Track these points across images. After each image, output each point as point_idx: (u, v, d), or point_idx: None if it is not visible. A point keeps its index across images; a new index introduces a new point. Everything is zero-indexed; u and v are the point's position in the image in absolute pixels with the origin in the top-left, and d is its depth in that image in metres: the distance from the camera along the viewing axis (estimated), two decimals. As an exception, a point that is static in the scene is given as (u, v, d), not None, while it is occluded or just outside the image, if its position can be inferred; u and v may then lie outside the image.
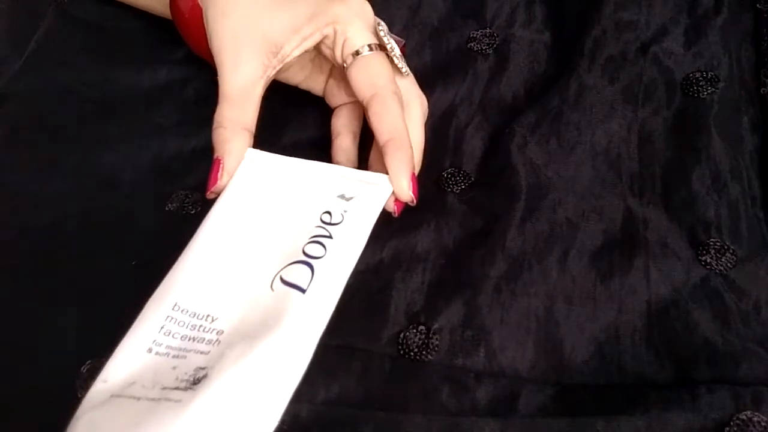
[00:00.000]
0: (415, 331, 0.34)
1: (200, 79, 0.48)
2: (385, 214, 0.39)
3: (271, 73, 0.39)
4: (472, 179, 0.41)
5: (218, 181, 0.37)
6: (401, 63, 0.40)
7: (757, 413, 0.29)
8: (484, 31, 0.48)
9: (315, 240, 0.35)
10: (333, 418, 0.32)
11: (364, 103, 0.38)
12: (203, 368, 0.30)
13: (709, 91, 0.41)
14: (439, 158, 0.42)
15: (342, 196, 0.37)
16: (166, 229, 0.41)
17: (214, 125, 0.38)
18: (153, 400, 0.30)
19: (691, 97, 0.41)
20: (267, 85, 0.40)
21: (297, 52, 0.39)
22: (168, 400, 0.29)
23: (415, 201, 0.37)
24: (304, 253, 0.34)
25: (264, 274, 0.34)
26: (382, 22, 0.41)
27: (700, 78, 0.41)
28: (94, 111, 0.48)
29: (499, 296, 0.35)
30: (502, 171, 0.40)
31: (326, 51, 0.40)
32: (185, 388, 0.30)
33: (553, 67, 0.45)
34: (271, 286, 0.34)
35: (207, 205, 0.37)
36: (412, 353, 0.34)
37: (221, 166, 0.37)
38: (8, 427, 0.34)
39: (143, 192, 0.44)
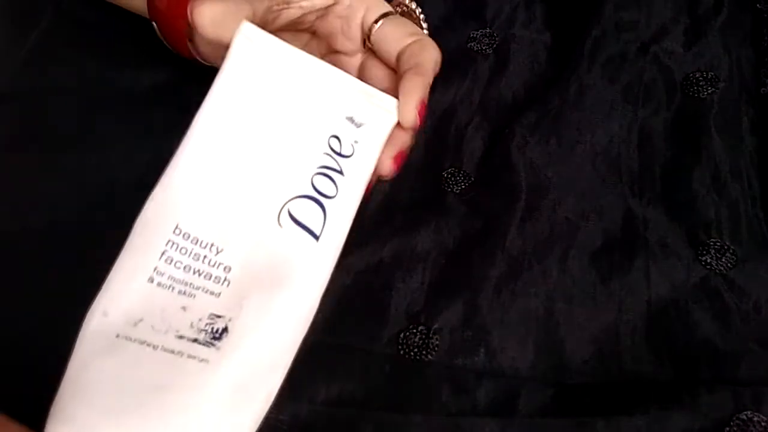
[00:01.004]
0: (415, 331, 0.34)
1: (200, 79, 0.48)
2: (384, 214, 0.39)
3: (274, 8, 0.37)
4: (472, 179, 0.41)
5: (202, 4, 0.34)
6: (424, 24, 0.41)
7: (757, 413, 0.29)
8: (484, 31, 0.48)
9: (324, 172, 0.32)
10: (333, 418, 0.32)
11: (399, 52, 0.37)
12: (220, 317, 0.29)
13: (709, 91, 0.41)
14: (439, 158, 0.42)
15: (351, 120, 0.34)
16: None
17: None
18: (173, 353, 0.28)
19: (691, 97, 0.41)
20: (266, 21, 0.37)
21: (305, 4, 0.38)
22: (192, 357, 0.28)
23: (417, 126, 0.35)
24: (314, 186, 0.32)
25: (270, 202, 0.31)
26: None
27: (700, 78, 0.41)
28: (93, 111, 0.48)
29: (499, 296, 0.35)
30: (502, 171, 0.40)
31: (333, 22, 0.39)
32: (206, 343, 0.28)
33: (553, 67, 0.45)
34: (279, 220, 0.31)
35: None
36: (412, 353, 0.34)
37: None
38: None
39: (143, 192, 0.43)
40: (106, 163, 0.45)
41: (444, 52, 0.48)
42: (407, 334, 0.34)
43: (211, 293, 0.30)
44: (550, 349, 0.34)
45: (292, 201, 0.32)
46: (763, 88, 0.41)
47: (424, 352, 0.34)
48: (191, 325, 0.29)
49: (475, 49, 0.47)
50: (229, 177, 0.32)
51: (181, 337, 0.28)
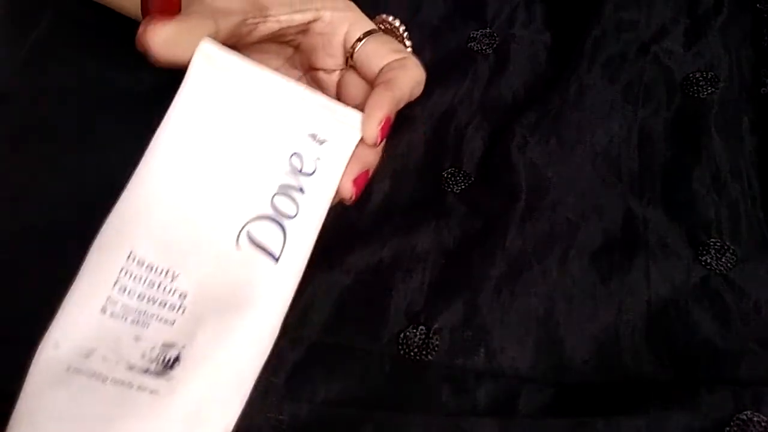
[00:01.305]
0: (415, 331, 0.34)
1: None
2: (384, 214, 0.39)
3: (249, 21, 0.36)
4: (472, 179, 0.41)
5: (156, 25, 0.32)
6: (408, 42, 0.41)
7: (757, 413, 0.29)
8: (484, 31, 0.48)
9: (285, 192, 0.31)
10: (333, 418, 0.32)
11: (379, 69, 0.37)
12: (172, 345, 0.28)
13: (709, 91, 0.41)
14: (439, 158, 0.42)
15: (314, 136, 0.33)
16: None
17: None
18: (123, 384, 0.27)
19: (691, 97, 0.41)
20: (243, 37, 0.36)
21: (284, 19, 0.37)
22: (142, 389, 0.27)
23: (378, 143, 0.34)
24: (274, 207, 0.31)
25: (228, 224, 0.31)
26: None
27: (700, 78, 0.41)
28: (93, 111, 0.48)
29: (499, 296, 0.35)
30: (502, 171, 0.40)
31: (314, 38, 0.39)
32: (157, 373, 0.28)
33: (553, 67, 0.45)
34: (237, 242, 0.30)
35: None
36: (412, 353, 0.34)
37: (170, 15, 0.33)
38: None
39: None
40: (106, 163, 0.45)
41: (444, 52, 0.48)
42: (407, 334, 0.34)
43: (165, 321, 0.29)
44: (550, 349, 0.34)
45: (251, 222, 0.31)
46: (763, 88, 0.41)
47: (424, 352, 0.34)
48: (143, 356, 0.28)
49: (475, 49, 0.47)
50: (186, 200, 0.31)
51: (131, 368, 0.28)
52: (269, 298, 0.30)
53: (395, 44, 0.39)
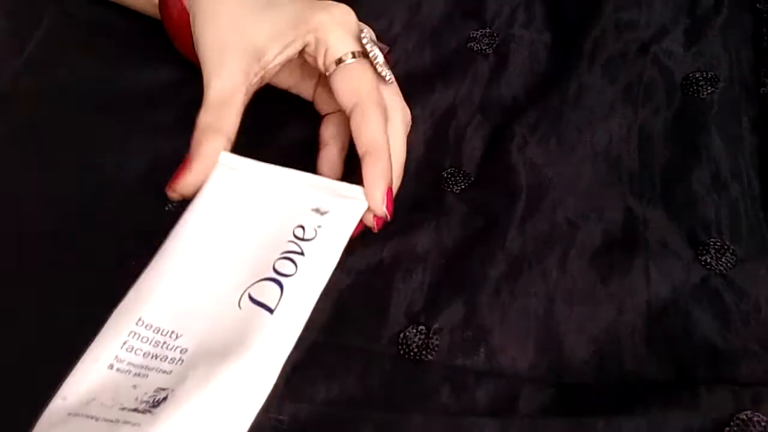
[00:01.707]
0: (415, 331, 0.34)
1: (199, 79, 0.48)
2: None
3: (254, 80, 0.39)
4: (472, 179, 0.41)
5: (180, 179, 0.37)
6: (385, 71, 0.39)
7: (757, 413, 0.29)
8: (484, 31, 0.48)
9: (286, 256, 0.34)
10: (333, 418, 0.32)
11: (347, 112, 0.38)
12: (164, 389, 0.30)
13: (709, 91, 0.41)
14: (439, 158, 0.42)
15: (317, 210, 0.36)
16: (165, 229, 0.41)
17: (194, 130, 0.38)
18: (111, 421, 0.29)
19: (691, 97, 0.41)
20: (252, 92, 0.39)
21: (280, 59, 0.39)
22: (126, 422, 0.29)
23: (389, 217, 0.37)
24: (275, 269, 0.34)
25: (232, 291, 0.33)
26: (367, 29, 0.41)
27: (700, 78, 0.41)
28: (93, 111, 0.48)
29: (499, 296, 0.35)
30: (502, 171, 0.40)
31: (309, 59, 0.40)
32: (144, 411, 0.29)
33: (553, 67, 0.45)
34: (239, 304, 0.33)
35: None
36: (412, 353, 0.34)
37: (188, 164, 0.37)
38: (6, 426, 0.34)
39: (143, 192, 0.43)
40: (106, 163, 0.45)
41: (444, 52, 0.48)
42: (407, 334, 0.34)
43: (163, 372, 0.31)
44: (550, 349, 0.34)
45: (252, 286, 0.33)
46: (763, 88, 0.41)
47: (424, 352, 0.34)
48: (136, 399, 0.30)
49: (475, 49, 0.47)
50: (198, 275, 0.34)
51: (123, 408, 0.29)
52: (262, 345, 0.31)
53: (364, 79, 0.38)
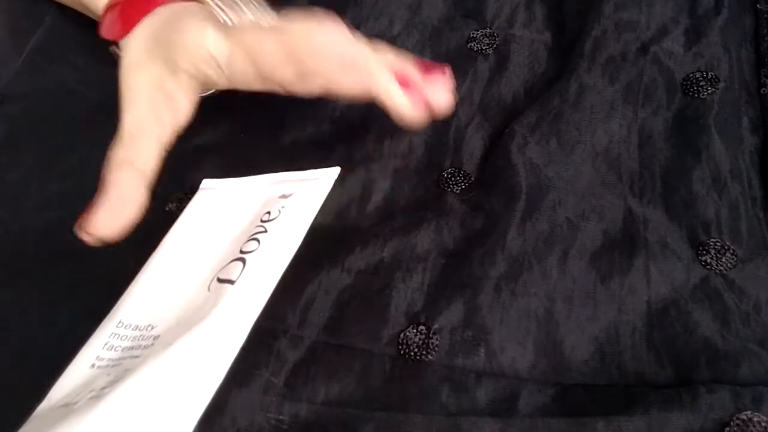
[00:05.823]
0: (415, 331, 0.34)
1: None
2: (384, 214, 0.39)
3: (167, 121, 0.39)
4: (472, 179, 0.41)
5: (91, 218, 0.35)
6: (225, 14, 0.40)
7: (757, 413, 0.29)
8: (484, 31, 0.48)
9: (251, 237, 0.36)
10: (333, 418, 0.32)
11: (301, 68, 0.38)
12: (130, 369, 0.30)
13: (709, 91, 0.41)
14: (439, 158, 0.42)
15: (282, 196, 0.38)
16: (165, 230, 0.41)
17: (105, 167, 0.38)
18: (75, 403, 0.30)
19: (691, 97, 0.41)
20: (168, 133, 0.39)
21: (191, 96, 0.39)
22: (89, 399, 0.30)
23: (415, 107, 0.36)
24: (241, 251, 0.35)
25: (205, 280, 0.35)
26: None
27: (700, 78, 0.41)
28: (94, 111, 0.48)
29: (499, 296, 0.35)
30: (502, 171, 0.40)
31: (218, 79, 0.39)
32: (105, 387, 0.30)
33: (553, 67, 0.45)
34: (208, 288, 0.34)
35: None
36: (412, 353, 0.34)
37: (99, 201, 0.36)
38: (5, 424, 0.34)
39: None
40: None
41: (444, 52, 0.48)
42: (407, 334, 0.34)
43: (134, 357, 0.32)
44: (550, 349, 0.34)
45: (221, 270, 0.35)
46: (763, 88, 0.41)
47: (424, 352, 0.34)
48: (107, 383, 0.31)
49: (475, 49, 0.47)
50: (174, 276, 0.36)
51: (92, 391, 0.30)
52: (220, 313, 0.32)
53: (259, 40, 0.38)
